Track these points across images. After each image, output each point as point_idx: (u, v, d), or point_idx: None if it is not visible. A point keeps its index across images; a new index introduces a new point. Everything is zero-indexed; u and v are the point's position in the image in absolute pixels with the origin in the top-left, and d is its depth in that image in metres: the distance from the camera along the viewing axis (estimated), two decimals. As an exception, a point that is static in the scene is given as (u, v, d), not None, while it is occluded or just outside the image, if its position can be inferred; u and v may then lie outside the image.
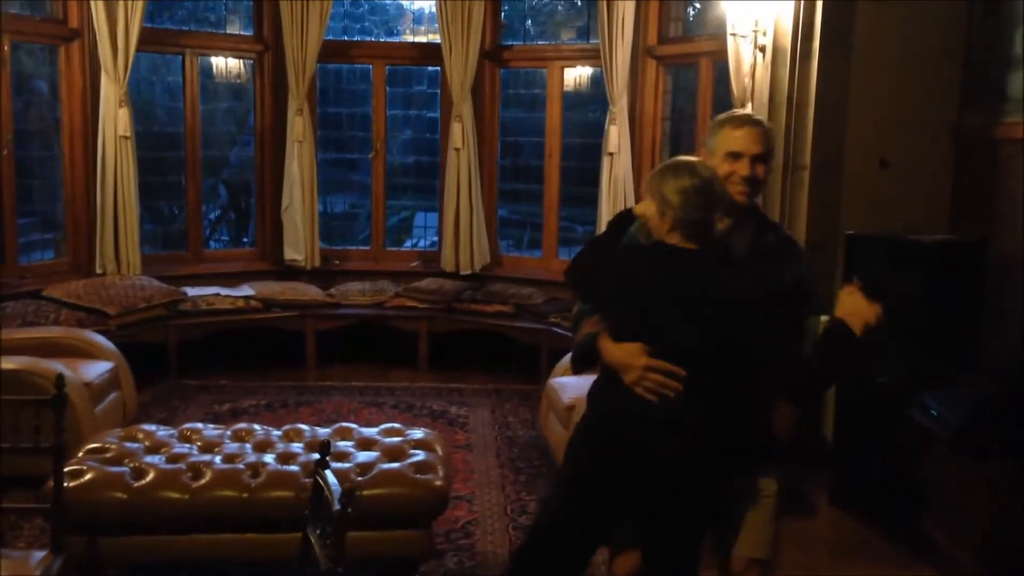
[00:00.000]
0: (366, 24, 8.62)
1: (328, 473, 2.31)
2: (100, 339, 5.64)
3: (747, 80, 5.61)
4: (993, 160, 4.71)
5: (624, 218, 2.87)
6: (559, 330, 6.72)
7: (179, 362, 6.84)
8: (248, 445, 3.98)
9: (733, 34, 5.64)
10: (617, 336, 2.67)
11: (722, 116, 2.85)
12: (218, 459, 3.80)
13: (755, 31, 5.43)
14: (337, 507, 2.09)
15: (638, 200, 7.21)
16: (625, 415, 2.65)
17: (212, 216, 9.42)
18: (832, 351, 2.61)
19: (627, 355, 2.61)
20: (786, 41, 5.22)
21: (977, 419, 3.81)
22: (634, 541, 2.85)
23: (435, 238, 8.29)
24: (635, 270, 2.67)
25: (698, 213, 2.57)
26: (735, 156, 2.71)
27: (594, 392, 2.80)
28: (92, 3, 6.65)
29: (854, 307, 2.60)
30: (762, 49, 5.40)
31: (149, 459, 3.76)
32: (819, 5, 5.06)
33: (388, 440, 4.06)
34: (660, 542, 2.73)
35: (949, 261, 4.41)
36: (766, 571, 2.91)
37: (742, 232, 2.76)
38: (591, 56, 7.48)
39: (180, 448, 3.91)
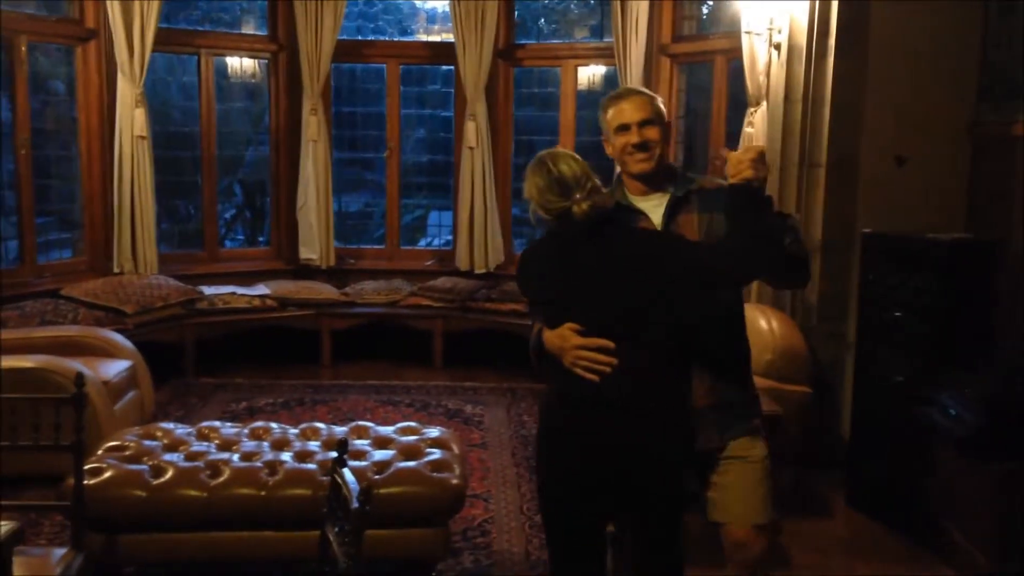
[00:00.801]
0: (380, 23, 8.65)
1: (346, 471, 2.32)
2: (118, 338, 5.68)
3: (762, 78, 5.60)
4: (1010, 158, 4.68)
5: None
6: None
7: (196, 360, 6.88)
8: (265, 443, 4.00)
9: (748, 32, 5.63)
10: (550, 325, 2.71)
11: (605, 97, 2.92)
12: (236, 457, 3.82)
13: (770, 29, 5.43)
14: (355, 505, 2.10)
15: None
16: (572, 399, 2.68)
17: (228, 215, 9.48)
18: (736, 213, 2.61)
19: (559, 338, 2.65)
20: (801, 39, 5.21)
21: (993, 419, 3.80)
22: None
23: (449, 237, 8.30)
24: (544, 257, 2.78)
25: (560, 203, 2.64)
26: (623, 128, 2.80)
27: (545, 388, 2.87)
28: (108, 3, 6.69)
29: (734, 167, 2.58)
30: (777, 47, 5.39)
31: (168, 457, 3.79)
32: (834, 3, 5.05)
33: (404, 439, 4.08)
34: (639, 521, 2.73)
35: (965, 260, 4.39)
36: (773, 535, 2.95)
37: (660, 198, 2.84)
38: (605, 55, 7.47)
39: (198, 446, 3.94)
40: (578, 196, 2.63)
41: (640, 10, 6.87)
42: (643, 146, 2.79)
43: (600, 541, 2.83)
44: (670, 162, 2.97)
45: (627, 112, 2.81)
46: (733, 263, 2.58)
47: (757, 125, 5.70)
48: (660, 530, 2.72)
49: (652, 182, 2.84)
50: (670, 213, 2.81)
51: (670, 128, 2.92)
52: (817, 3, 5.10)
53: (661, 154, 2.83)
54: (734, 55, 6.14)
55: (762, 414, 2.95)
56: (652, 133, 2.79)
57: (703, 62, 7.01)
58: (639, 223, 2.81)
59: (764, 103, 5.62)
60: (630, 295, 2.61)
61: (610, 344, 2.58)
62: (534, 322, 2.84)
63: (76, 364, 4.64)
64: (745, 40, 5.66)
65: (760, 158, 2.55)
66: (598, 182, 2.71)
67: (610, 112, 2.85)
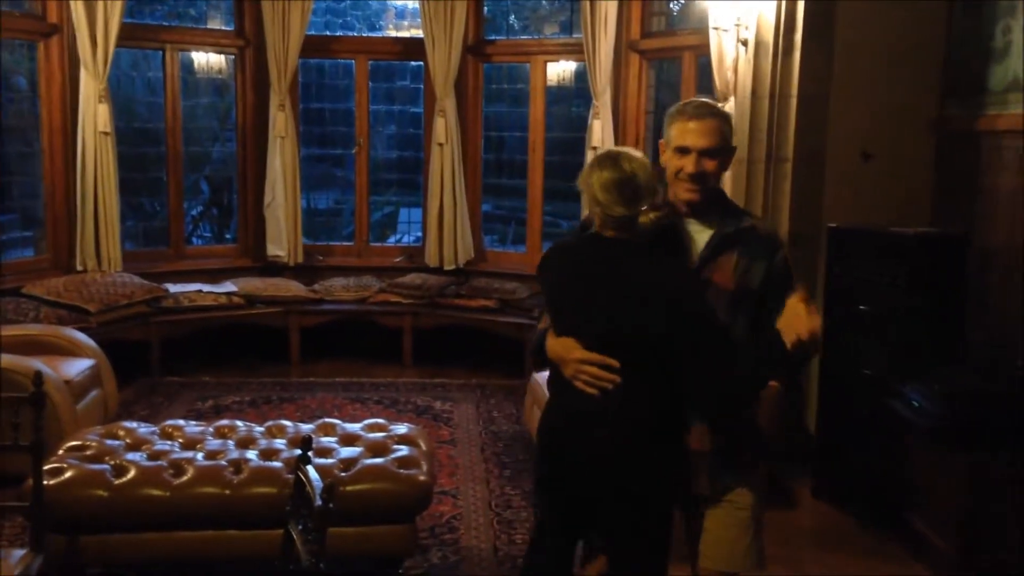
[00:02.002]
0: (348, 19, 8.59)
1: (310, 469, 2.30)
2: (81, 336, 5.60)
3: (730, 74, 5.61)
4: (974, 153, 4.73)
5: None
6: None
7: (161, 359, 6.80)
8: (230, 442, 3.96)
9: (716, 28, 5.64)
10: (558, 331, 2.62)
11: (676, 106, 2.68)
12: (200, 456, 3.78)
13: (737, 25, 5.44)
14: (319, 503, 2.08)
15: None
16: (568, 411, 2.61)
17: (194, 212, 9.39)
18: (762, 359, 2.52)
19: (563, 348, 2.55)
20: (768, 35, 5.23)
21: (958, 411, 3.83)
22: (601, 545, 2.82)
23: (419, 233, 8.27)
24: (569, 263, 2.66)
25: (620, 208, 2.49)
26: (683, 151, 2.58)
27: (548, 388, 2.79)
28: (71, -2, 6.60)
29: (792, 317, 2.42)
30: (744, 43, 5.40)
31: (130, 456, 3.74)
32: (801, 0, 5.07)
33: (372, 436, 4.05)
34: (619, 543, 2.67)
35: (931, 254, 4.43)
36: None
37: (702, 225, 2.64)
38: (574, 51, 7.47)
39: (161, 445, 3.89)
40: (645, 207, 2.51)
41: (609, 6, 6.87)
42: (698, 177, 2.56)
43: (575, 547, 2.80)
44: (721, 189, 2.75)
45: (691, 135, 2.56)
46: (728, 379, 2.52)
47: (725, 121, 5.71)
48: (640, 549, 2.64)
49: (699, 207, 2.63)
50: (713, 248, 2.60)
51: (733, 153, 2.65)
52: (784, 0, 5.12)
53: (715, 182, 2.63)
54: (702, 51, 6.15)
55: (765, 460, 2.82)
56: (711, 165, 2.57)
57: (672, 58, 7.02)
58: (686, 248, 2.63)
59: (732, 99, 5.63)
60: (638, 321, 2.48)
61: (615, 363, 2.47)
62: (543, 315, 2.77)
63: (37, 363, 4.57)
64: (713, 36, 5.67)
65: (813, 311, 2.41)
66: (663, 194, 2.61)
67: (675, 128, 2.61)
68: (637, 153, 2.56)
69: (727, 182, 5.64)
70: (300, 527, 2.25)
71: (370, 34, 8.48)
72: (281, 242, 7.60)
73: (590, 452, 2.56)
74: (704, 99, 2.72)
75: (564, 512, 2.69)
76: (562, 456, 2.63)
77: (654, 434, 2.54)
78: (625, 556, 2.65)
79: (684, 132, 2.58)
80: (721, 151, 2.59)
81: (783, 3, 5.12)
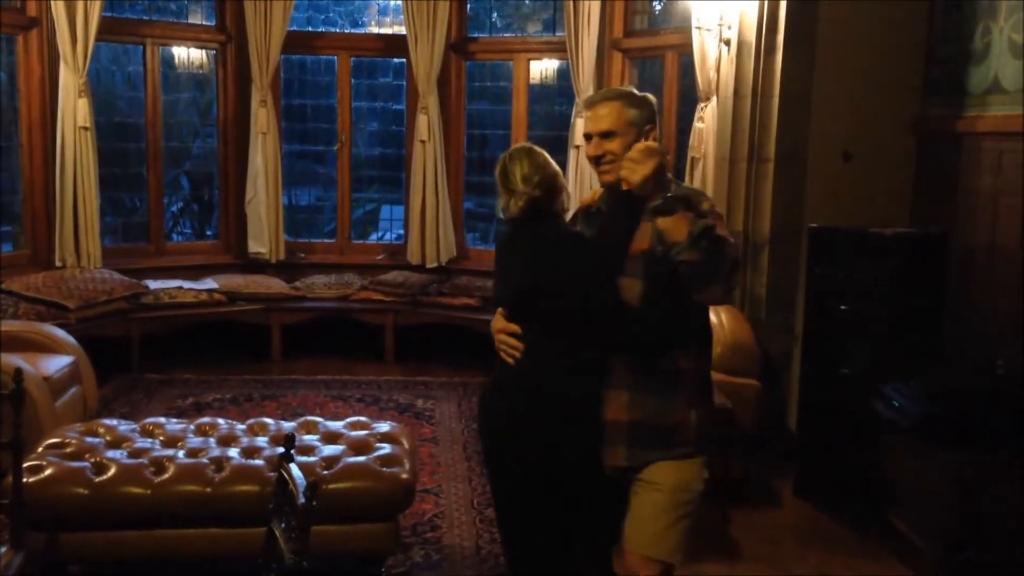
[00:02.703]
0: (331, 15, 8.56)
1: (293, 467, 2.29)
2: (60, 333, 5.56)
3: (712, 73, 5.64)
4: (955, 153, 4.77)
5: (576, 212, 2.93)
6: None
7: (141, 356, 6.76)
8: (212, 439, 3.94)
9: (698, 28, 5.66)
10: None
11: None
12: (181, 454, 3.76)
13: (720, 25, 5.46)
14: (302, 500, 2.07)
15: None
16: (497, 385, 2.80)
17: (174, 208, 9.32)
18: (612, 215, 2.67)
19: (494, 322, 2.74)
20: (750, 35, 5.25)
21: (939, 410, 3.86)
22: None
23: (401, 231, 8.25)
24: (499, 242, 2.95)
25: (504, 197, 2.80)
26: (587, 138, 2.71)
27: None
28: (51, -9, 6.54)
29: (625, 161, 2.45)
30: (727, 43, 5.43)
31: (110, 454, 3.71)
32: (783, -1, 5.10)
33: (354, 434, 4.04)
34: (564, 505, 2.70)
35: (911, 253, 4.46)
36: (667, 574, 2.66)
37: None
38: (557, 49, 7.48)
39: (142, 443, 3.86)
40: (519, 192, 2.72)
41: (592, 5, 6.88)
42: (600, 159, 2.64)
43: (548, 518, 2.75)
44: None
45: (589, 123, 2.69)
46: (596, 264, 2.63)
47: (707, 120, 5.74)
48: (572, 521, 2.71)
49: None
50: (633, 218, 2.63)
51: (642, 129, 2.63)
52: (766, 0, 5.14)
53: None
54: (685, 50, 6.17)
55: (702, 442, 2.64)
56: (613, 145, 2.61)
57: (654, 57, 7.04)
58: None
59: (714, 98, 5.66)
60: (521, 279, 2.72)
61: (516, 329, 2.68)
62: None
63: (16, 360, 4.52)
64: (696, 36, 5.70)
65: (643, 156, 2.36)
66: (559, 182, 2.78)
67: (583, 118, 2.79)
68: (531, 148, 2.84)
69: (709, 181, 5.68)
70: (283, 525, 2.25)
71: (352, 30, 8.45)
72: (262, 239, 7.56)
73: (507, 423, 2.68)
74: (614, 88, 2.85)
75: (522, 497, 2.72)
76: (492, 432, 2.77)
77: (563, 400, 2.62)
78: (566, 531, 2.72)
79: (585, 121, 2.75)
80: (622, 131, 2.62)
81: (765, 3, 5.15)
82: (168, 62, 7.66)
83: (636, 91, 2.73)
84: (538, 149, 2.84)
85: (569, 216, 2.89)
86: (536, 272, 2.68)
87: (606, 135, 2.64)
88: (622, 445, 2.60)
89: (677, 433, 2.60)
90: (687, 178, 5.95)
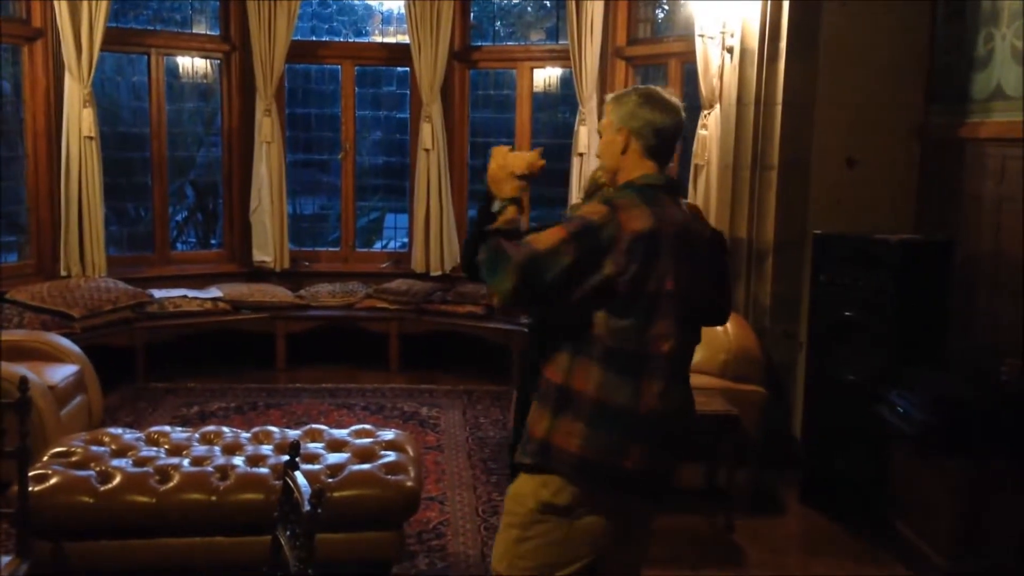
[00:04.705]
0: (334, 24, 8.58)
1: (298, 475, 2.29)
2: (65, 342, 5.57)
3: (715, 81, 5.65)
4: (958, 160, 4.77)
5: None
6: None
7: (146, 365, 6.77)
8: (216, 448, 3.95)
9: (701, 35, 5.68)
10: None
11: None
12: (186, 462, 3.76)
13: (723, 32, 5.47)
14: (307, 508, 2.07)
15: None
16: None
17: (179, 217, 9.34)
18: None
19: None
20: (753, 42, 5.26)
21: (943, 417, 3.85)
22: None
23: (405, 239, 8.26)
24: None
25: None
26: None
27: None
28: (56, 3, 6.56)
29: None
30: (730, 50, 5.44)
31: (116, 463, 3.72)
32: (785, 7, 5.11)
33: (359, 441, 4.04)
34: None
35: (915, 260, 4.45)
36: None
37: None
38: (560, 57, 7.49)
39: (147, 451, 3.87)
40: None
41: (595, 13, 6.90)
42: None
43: None
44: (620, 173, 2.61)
45: None
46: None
47: (711, 128, 5.76)
48: None
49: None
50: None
51: (608, 132, 2.61)
52: (768, 7, 5.15)
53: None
54: (688, 58, 6.19)
55: (561, 461, 2.40)
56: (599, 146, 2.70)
57: (658, 65, 7.05)
58: None
59: (717, 106, 5.67)
60: None
61: None
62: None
63: (21, 369, 4.54)
64: (699, 43, 5.71)
65: (505, 177, 2.50)
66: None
67: None
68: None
69: (712, 188, 5.69)
70: (288, 533, 2.25)
71: (356, 39, 8.46)
72: (267, 248, 7.58)
73: None
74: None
75: None
76: None
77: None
78: None
79: None
80: (603, 132, 2.62)
81: (768, 11, 5.16)
82: (172, 72, 7.68)
83: (631, 89, 2.65)
84: None
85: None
86: None
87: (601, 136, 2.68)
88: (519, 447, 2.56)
89: (529, 443, 2.48)
90: (690, 186, 5.96)
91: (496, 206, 2.51)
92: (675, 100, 2.55)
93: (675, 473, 2.58)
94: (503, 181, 2.53)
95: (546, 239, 2.34)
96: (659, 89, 2.59)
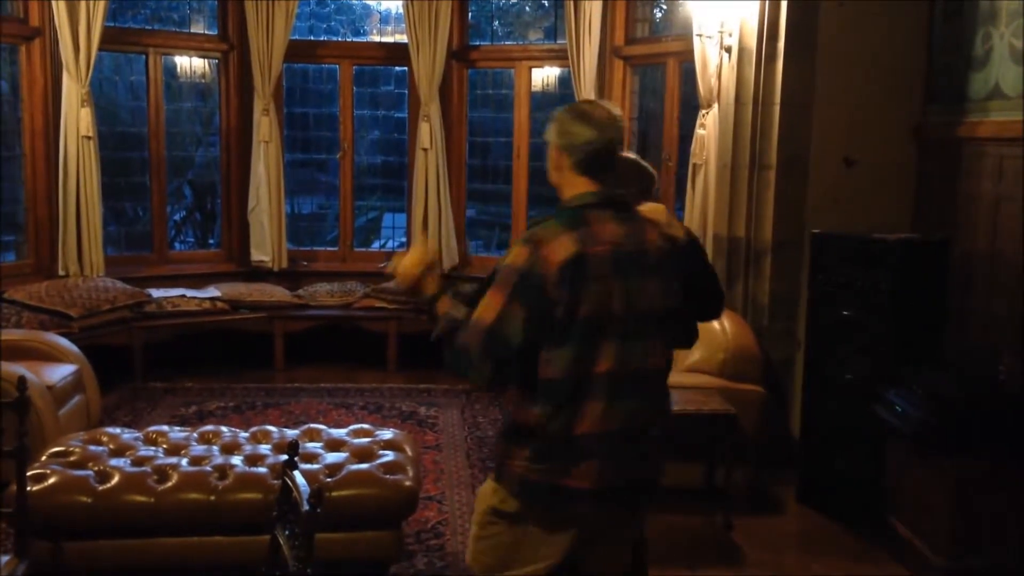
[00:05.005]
0: (332, 24, 8.58)
1: (297, 474, 2.29)
2: (63, 342, 5.57)
3: (713, 80, 5.65)
4: (956, 159, 4.77)
5: None
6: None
7: (144, 364, 6.77)
8: (215, 447, 3.95)
9: (699, 35, 5.68)
10: None
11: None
12: (184, 462, 3.76)
13: (721, 32, 5.48)
14: (306, 508, 2.08)
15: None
16: None
17: (177, 217, 9.34)
18: None
19: None
20: (751, 42, 5.26)
21: (941, 416, 3.86)
22: None
23: (403, 239, 8.26)
24: None
25: None
26: None
27: None
28: (53, 2, 6.56)
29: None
30: (728, 50, 5.44)
31: (114, 462, 3.72)
32: (783, 6, 5.11)
33: (357, 441, 4.04)
34: None
35: (913, 259, 4.46)
36: None
37: None
38: (559, 56, 7.49)
39: (145, 451, 3.87)
40: None
41: (593, 12, 6.89)
42: None
43: None
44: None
45: None
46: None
47: (709, 127, 5.76)
48: None
49: None
50: None
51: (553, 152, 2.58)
52: (767, 7, 5.16)
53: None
54: (686, 58, 6.19)
55: (511, 479, 2.47)
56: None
57: (656, 64, 7.05)
58: None
59: (716, 105, 5.67)
60: None
61: None
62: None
63: (19, 368, 4.54)
64: (697, 43, 5.71)
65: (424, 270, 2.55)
66: None
67: None
68: None
69: (711, 187, 5.69)
70: (287, 533, 2.25)
71: (354, 39, 8.47)
72: (265, 247, 7.58)
73: None
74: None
75: None
76: None
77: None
78: None
79: None
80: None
81: (766, 10, 5.16)
82: (171, 71, 7.68)
83: (567, 105, 2.62)
84: None
85: None
86: None
87: None
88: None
89: (495, 451, 2.59)
90: (689, 184, 5.97)
91: (430, 308, 2.53)
92: (606, 114, 2.50)
93: (653, 482, 2.57)
94: (417, 284, 2.56)
95: (489, 309, 2.36)
96: (592, 103, 2.58)
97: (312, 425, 4.33)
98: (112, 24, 7.07)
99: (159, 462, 3.73)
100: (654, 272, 2.47)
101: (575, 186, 2.52)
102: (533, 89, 7.79)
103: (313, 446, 3.98)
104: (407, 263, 2.59)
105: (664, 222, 2.59)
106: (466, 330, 2.38)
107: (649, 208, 2.63)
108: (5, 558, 3.07)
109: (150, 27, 7.68)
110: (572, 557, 2.53)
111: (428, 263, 2.59)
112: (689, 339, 2.77)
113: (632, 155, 2.97)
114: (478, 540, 2.58)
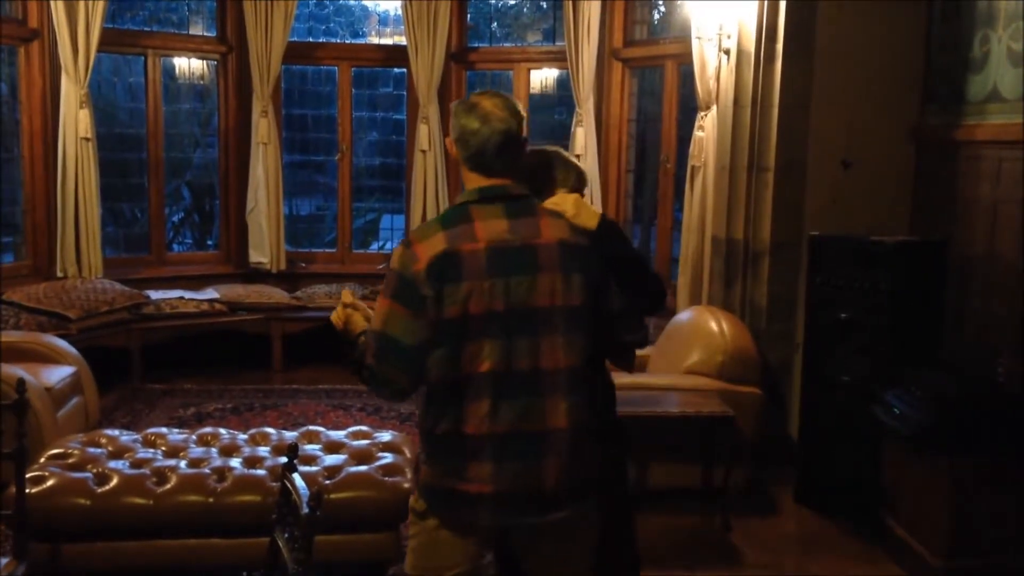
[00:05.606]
0: (331, 25, 8.60)
1: (296, 476, 2.30)
2: (61, 343, 5.56)
3: (712, 82, 5.65)
4: (954, 162, 4.77)
5: None
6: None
7: (142, 366, 6.76)
8: (214, 449, 3.94)
9: (698, 37, 5.68)
10: None
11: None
12: (183, 464, 3.76)
13: (719, 34, 5.48)
14: (305, 510, 2.08)
15: (605, 200, 7.24)
16: None
17: (175, 218, 9.35)
18: None
19: None
20: (750, 44, 5.27)
21: (939, 417, 3.86)
22: None
23: (402, 240, 8.25)
24: None
25: None
26: None
27: None
28: (52, 3, 6.56)
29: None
30: (726, 52, 5.44)
31: (112, 464, 3.72)
32: (782, 8, 5.11)
33: (356, 443, 4.05)
34: None
35: (911, 261, 4.47)
36: None
37: None
38: (557, 58, 7.50)
39: (144, 453, 3.87)
40: None
41: (592, 14, 6.90)
42: None
43: None
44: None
45: None
46: None
47: (707, 129, 5.76)
48: None
49: None
50: None
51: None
52: (765, 9, 5.16)
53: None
54: (685, 60, 6.19)
55: (416, 473, 2.51)
56: None
57: (654, 66, 7.06)
58: None
59: (714, 107, 5.67)
60: None
61: None
62: None
63: (18, 370, 4.53)
64: (695, 45, 5.72)
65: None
66: None
67: None
68: None
69: (709, 190, 5.69)
70: (286, 535, 2.25)
71: (353, 41, 8.48)
72: (263, 249, 7.58)
73: None
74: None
75: None
76: None
77: None
78: None
79: None
80: None
81: (764, 12, 5.16)
82: (169, 73, 7.68)
83: (460, 100, 2.51)
84: None
85: None
86: None
87: None
88: None
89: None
90: (687, 186, 5.97)
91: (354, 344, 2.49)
92: (495, 104, 2.38)
93: (582, 482, 2.43)
94: (346, 326, 2.52)
95: (378, 315, 2.36)
96: (485, 93, 2.45)
97: (311, 427, 4.33)
98: (111, 25, 7.07)
99: (158, 464, 3.73)
100: (549, 267, 2.33)
101: (468, 180, 2.45)
102: (532, 91, 7.80)
103: (312, 448, 3.98)
104: (335, 312, 2.55)
105: (571, 213, 2.44)
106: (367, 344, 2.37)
107: (554, 200, 2.49)
108: (4, 560, 3.07)
109: (149, 28, 7.69)
110: (515, 560, 2.51)
111: (351, 302, 2.54)
112: (634, 334, 2.59)
113: (553, 148, 2.83)
114: (407, 540, 2.57)
